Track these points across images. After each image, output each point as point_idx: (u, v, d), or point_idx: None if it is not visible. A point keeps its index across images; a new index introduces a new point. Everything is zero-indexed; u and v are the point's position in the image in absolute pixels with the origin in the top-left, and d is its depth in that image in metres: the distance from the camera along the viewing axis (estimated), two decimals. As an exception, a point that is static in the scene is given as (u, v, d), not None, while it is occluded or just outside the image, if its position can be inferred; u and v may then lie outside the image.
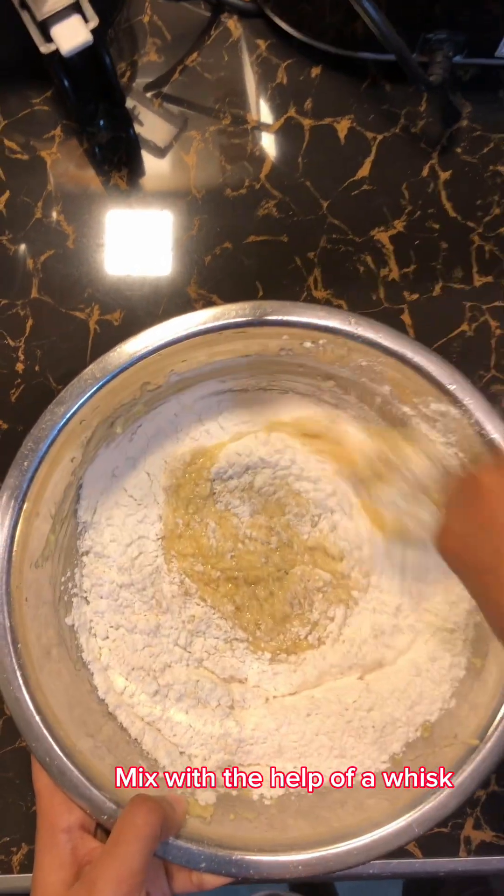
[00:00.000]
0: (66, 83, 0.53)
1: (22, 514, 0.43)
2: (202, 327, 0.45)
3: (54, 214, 0.58)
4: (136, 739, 0.48)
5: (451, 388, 0.46)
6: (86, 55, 0.50)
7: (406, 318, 0.57)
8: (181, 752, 0.49)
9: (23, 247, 0.58)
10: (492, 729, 0.44)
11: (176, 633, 0.51)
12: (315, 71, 0.59)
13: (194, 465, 0.52)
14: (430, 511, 0.47)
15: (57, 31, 0.48)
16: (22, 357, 0.57)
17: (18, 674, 0.42)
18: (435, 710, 0.48)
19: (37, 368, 0.57)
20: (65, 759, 0.42)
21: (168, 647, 0.51)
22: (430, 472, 0.47)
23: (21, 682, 0.42)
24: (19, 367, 0.57)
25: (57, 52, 0.49)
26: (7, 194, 0.58)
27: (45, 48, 0.49)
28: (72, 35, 0.48)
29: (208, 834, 0.44)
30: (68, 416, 0.44)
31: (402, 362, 0.46)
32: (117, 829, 0.39)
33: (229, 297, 0.57)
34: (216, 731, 0.49)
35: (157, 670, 0.50)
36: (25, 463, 0.43)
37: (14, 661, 0.42)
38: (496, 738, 0.44)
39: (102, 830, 0.44)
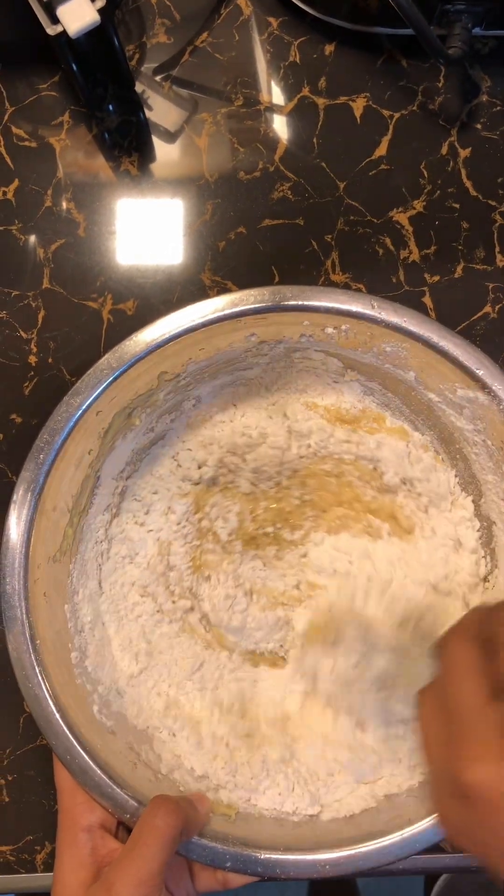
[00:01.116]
0: (73, 66, 0.52)
1: (38, 507, 0.42)
2: (220, 314, 0.44)
3: (64, 203, 0.57)
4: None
5: (479, 373, 0.44)
6: (93, 36, 0.49)
7: (427, 300, 0.56)
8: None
9: (33, 236, 0.57)
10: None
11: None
12: (329, 48, 0.58)
13: (213, 446, 0.51)
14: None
15: (63, 11, 0.47)
16: (35, 349, 0.56)
17: (38, 670, 0.41)
18: None
19: (50, 360, 0.56)
20: (86, 756, 0.41)
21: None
22: None
23: (40, 679, 0.41)
24: (32, 359, 0.56)
25: (64, 33, 0.48)
26: (16, 183, 0.57)
27: (51, 30, 0.48)
28: (78, 15, 0.47)
29: (233, 832, 0.43)
30: (84, 407, 0.43)
31: (427, 347, 0.45)
32: (137, 831, 0.38)
33: (244, 284, 0.56)
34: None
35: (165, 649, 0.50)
36: (41, 456, 0.42)
37: (33, 657, 0.41)
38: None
39: (124, 829, 0.43)
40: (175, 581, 0.50)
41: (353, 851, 0.42)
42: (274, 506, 0.52)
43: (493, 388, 0.44)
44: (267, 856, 0.42)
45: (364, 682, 0.48)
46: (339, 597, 0.50)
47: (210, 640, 0.50)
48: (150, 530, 0.50)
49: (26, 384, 0.55)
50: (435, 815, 0.33)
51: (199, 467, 0.51)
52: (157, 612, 0.50)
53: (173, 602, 0.50)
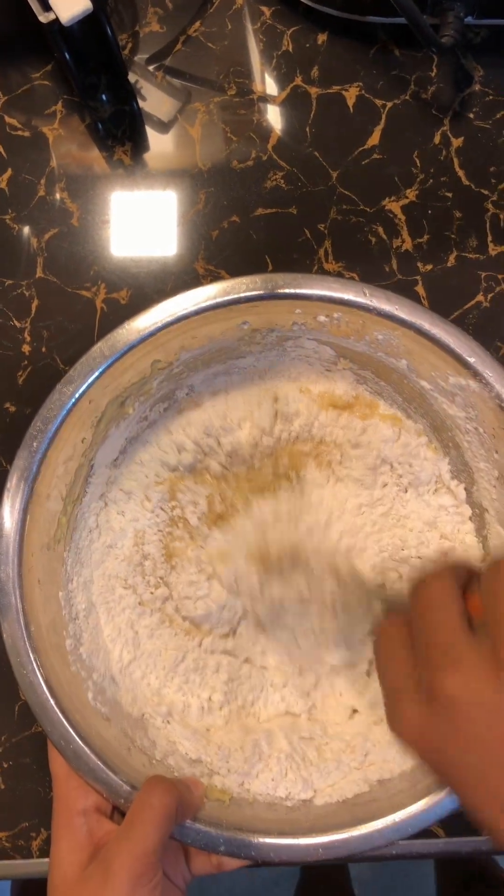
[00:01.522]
0: (66, 55, 0.52)
1: (32, 496, 0.43)
2: (212, 302, 0.44)
3: (58, 192, 0.57)
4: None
5: (471, 360, 0.44)
6: (86, 24, 0.49)
7: (420, 289, 0.56)
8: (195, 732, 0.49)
9: (27, 226, 0.57)
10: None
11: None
12: (321, 37, 0.58)
13: (191, 427, 0.51)
14: None
15: (56, -1, 0.47)
16: (28, 338, 0.56)
17: (32, 657, 0.41)
18: None
19: (43, 350, 0.56)
20: (80, 742, 0.41)
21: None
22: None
23: (35, 665, 0.41)
24: (25, 348, 0.56)
25: (56, 21, 0.48)
26: (9, 172, 0.57)
27: (43, 17, 0.48)
28: (71, 3, 0.47)
29: (227, 817, 0.43)
30: (77, 395, 0.43)
31: (419, 335, 0.45)
32: (133, 811, 0.39)
33: (238, 272, 0.55)
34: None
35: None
36: (35, 444, 0.43)
37: (27, 644, 0.41)
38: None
39: (119, 813, 0.43)
40: (150, 570, 0.50)
41: (346, 835, 0.42)
42: (245, 484, 0.52)
43: (485, 375, 0.44)
44: (261, 840, 0.42)
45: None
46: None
47: (189, 627, 0.51)
48: (130, 520, 0.50)
49: (20, 373, 0.56)
50: (391, 723, 0.34)
51: (179, 452, 0.51)
52: (139, 604, 0.50)
53: (151, 593, 0.50)
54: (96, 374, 0.43)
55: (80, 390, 0.43)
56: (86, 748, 0.41)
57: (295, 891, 1.13)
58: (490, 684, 0.30)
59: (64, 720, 0.42)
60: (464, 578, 0.35)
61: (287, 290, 0.45)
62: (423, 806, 0.43)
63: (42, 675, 0.42)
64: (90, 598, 0.48)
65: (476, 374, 0.44)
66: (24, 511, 0.42)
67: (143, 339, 0.44)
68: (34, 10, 0.47)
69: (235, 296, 0.44)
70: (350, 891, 1.09)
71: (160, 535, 0.51)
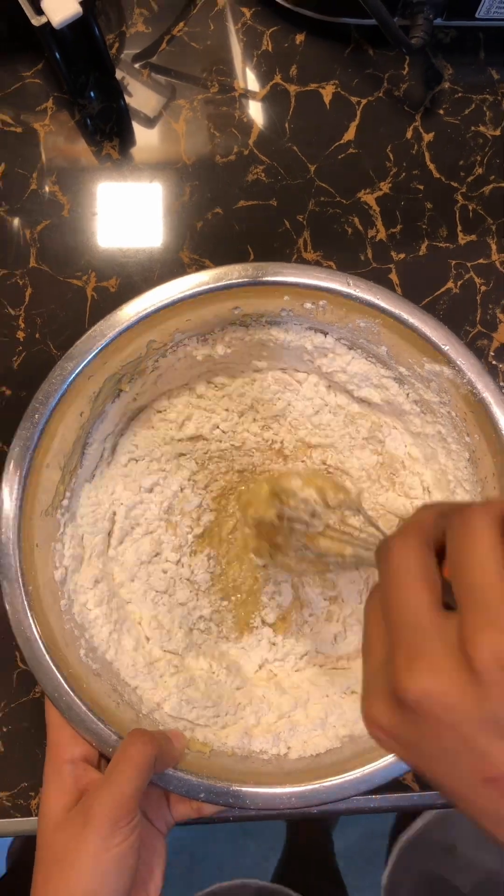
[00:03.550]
0: (57, 55, 0.55)
1: (33, 464, 0.45)
2: (205, 287, 0.47)
3: (49, 185, 0.60)
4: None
5: (445, 348, 0.48)
6: (76, 27, 0.51)
7: (393, 277, 0.59)
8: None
9: (20, 218, 0.59)
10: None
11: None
12: (299, 37, 0.61)
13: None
14: None
15: (47, 3, 0.50)
16: (22, 325, 0.59)
17: (30, 614, 0.44)
18: None
19: (37, 336, 0.59)
20: (72, 694, 0.44)
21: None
22: None
23: (32, 622, 0.44)
24: (20, 334, 0.59)
25: (48, 24, 0.50)
26: (2, 167, 0.60)
27: (36, 21, 0.51)
28: (62, 7, 0.50)
29: (208, 766, 0.47)
30: (77, 371, 0.46)
31: (398, 323, 0.48)
32: (114, 760, 0.42)
33: (221, 262, 0.58)
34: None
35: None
36: (36, 416, 0.45)
37: (25, 602, 0.44)
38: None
39: (106, 762, 0.46)
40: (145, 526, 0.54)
41: (317, 785, 0.46)
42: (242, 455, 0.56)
43: (458, 363, 0.47)
44: (238, 788, 0.45)
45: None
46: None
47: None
48: (129, 487, 0.54)
49: (15, 358, 0.58)
50: (364, 717, 0.30)
51: (181, 426, 0.54)
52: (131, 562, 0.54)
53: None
54: (96, 351, 0.46)
55: (80, 366, 0.46)
56: (77, 699, 0.45)
57: (283, 865, 1.16)
58: (456, 684, 0.26)
59: (57, 673, 0.45)
60: (441, 532, 0.29)
61: (276, 278, 0.48)
62: (390, 759, 0.46)
63: (38, 632, 0.44)
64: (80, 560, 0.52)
65: (450, 362, 0.48)
66: (25, 479, 0.45)
67: (141, 320, 0.47)
68: (27, 13, 0.50)
69: (227, 282, 0.48)
70: (334, 865, 1.12)
71: (161, 495, 0.54)
